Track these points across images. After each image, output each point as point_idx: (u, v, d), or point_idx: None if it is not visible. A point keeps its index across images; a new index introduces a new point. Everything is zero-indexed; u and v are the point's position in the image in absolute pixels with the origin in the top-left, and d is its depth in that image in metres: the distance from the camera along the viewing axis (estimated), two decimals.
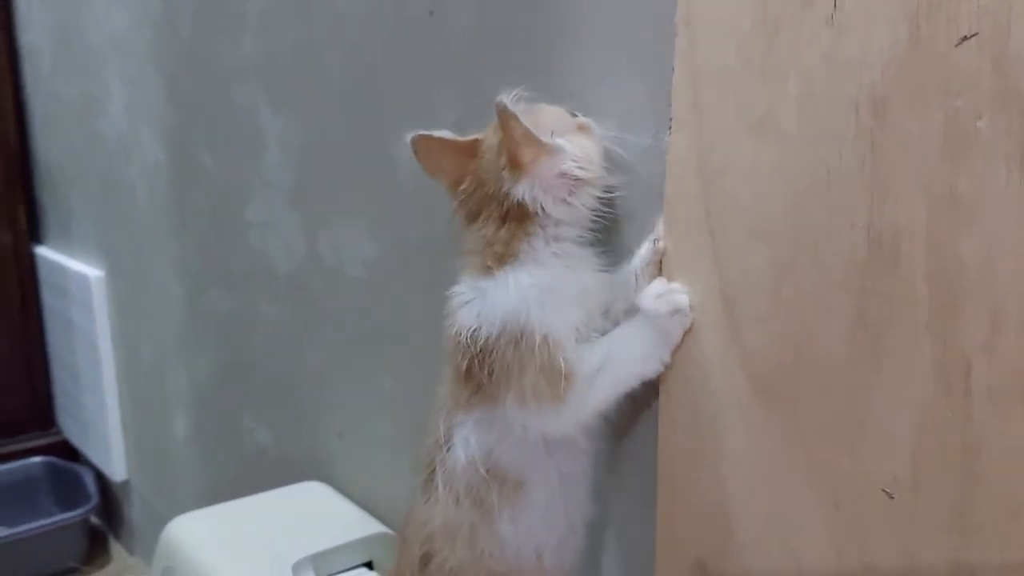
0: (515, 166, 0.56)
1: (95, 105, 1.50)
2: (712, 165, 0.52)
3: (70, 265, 1.68)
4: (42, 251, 1.84)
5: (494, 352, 0.57)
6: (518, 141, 0.55)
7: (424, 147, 0.63)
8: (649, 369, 0.58)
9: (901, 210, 0.45)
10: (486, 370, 0.57)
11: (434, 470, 0.61)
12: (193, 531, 0.89)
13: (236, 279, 1.19)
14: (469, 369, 0.58)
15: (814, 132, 0.48)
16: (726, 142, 0.51)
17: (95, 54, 1.46)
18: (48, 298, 1.85)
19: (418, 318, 0.86)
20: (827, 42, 0.47)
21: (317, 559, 0.83)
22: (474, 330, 0.57)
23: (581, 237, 0.59)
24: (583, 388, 0.57)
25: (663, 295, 0.56)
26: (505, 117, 0.54)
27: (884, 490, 0.48)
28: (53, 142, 1.75)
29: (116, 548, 1.75)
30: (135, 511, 1.67)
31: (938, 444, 0.46)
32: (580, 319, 0.58)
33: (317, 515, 0.93)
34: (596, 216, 0.59)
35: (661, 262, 0.58)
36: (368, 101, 0.88)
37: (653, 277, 0.58)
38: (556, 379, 0.56)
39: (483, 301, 0.58)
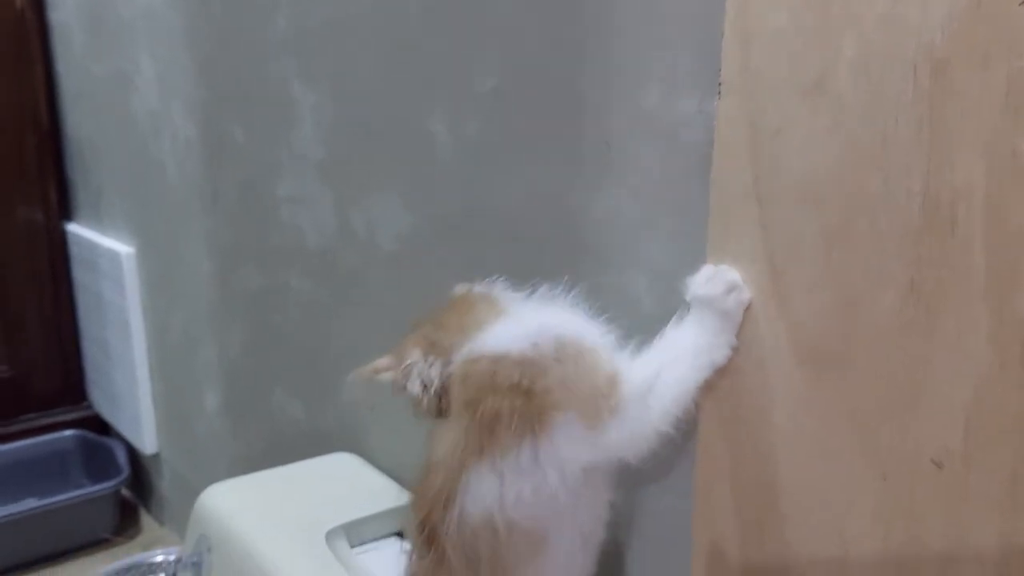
0: None
1: (126, 82, 1.50)
2: (762, 130, 0.51)
3: (101, 242, 1.70)
4: (73, 228, 1.86)
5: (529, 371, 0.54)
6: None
7: None
8: (719, 356, 0.56)
9: (959, 175, 0.44)
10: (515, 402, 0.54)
11: (435, 527, 0.56)
12: (227, 499, 0.90)
13: (267, 254, 1.19)
14: (492, 408, 0.54)
15: (870, 96, 0.47)
16: (778, 107, 0.50)
17: (126, 30, 1.47)
18: (79, 274, 1.87)
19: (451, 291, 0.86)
20: (885, 2, 0.46)
21: (349, 528, 0.83)
22: (498, 357, 0.55)
23: None
24: (640, 397, 0.54)
25: (713, 277, 0.55)
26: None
27: (933, 460, 0.47)
28: (84, 119, 1.76)
29: (147, 519, 1.77)
30: (165, 483, 1.69)
31: (992, 416, 0.45)
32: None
33: (348, 485, 0.93)
34: None
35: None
36: (402, 73, 0.87)
37: None
38: (610, 388, 0.54)
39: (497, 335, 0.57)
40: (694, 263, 0.60)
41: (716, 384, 0.58)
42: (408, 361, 0.60)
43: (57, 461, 1.83)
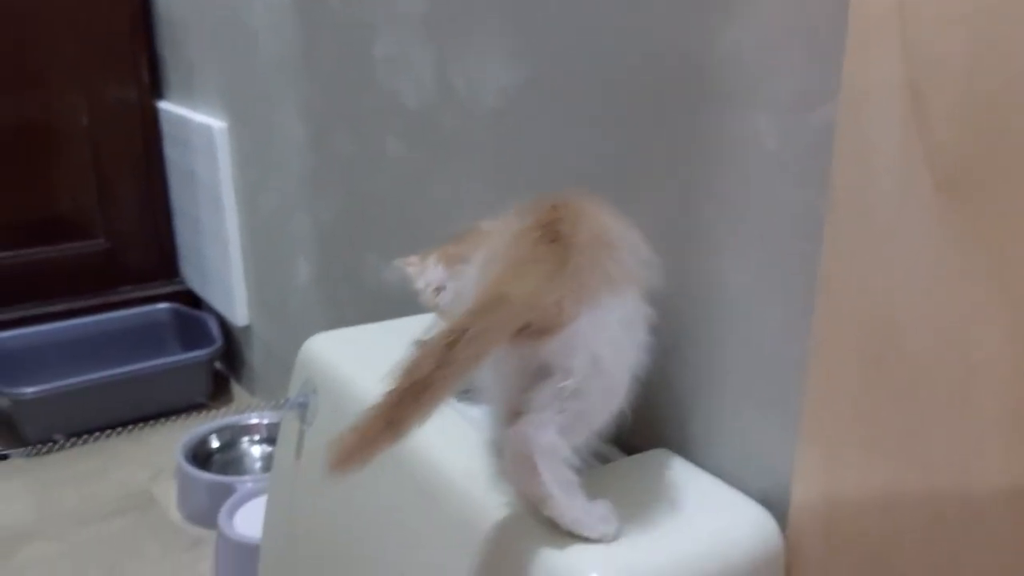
0: None
1: None
2: None
3: (193, 118, 1.73)
4: (164, 106, 1.90)
5: None
6: None
7: None
8: None
9: None
10: None
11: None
12: (332, 347, 0.93)
13: (362, 119, 1.20)
14: None
15: None
16: None
17: None
18: (170, 152, 1.92)
19: (563, 150, 0.85)
20: None
21: None
22: None
23: None
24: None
25: None
26: None
27: None
28: None
29: (237, 389, 1.86)
30: (255, 354, 1.76)
31: None
32: None
33: None
34: None
35: None
36: None
37: None
38: None
39: None
40: (824, 95, 0.58)
41: (839, 214, 0.57)
42: (422, 263, 0.77)
43: (153, 332, 1.92)
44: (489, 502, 0.64)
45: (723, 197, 0.67)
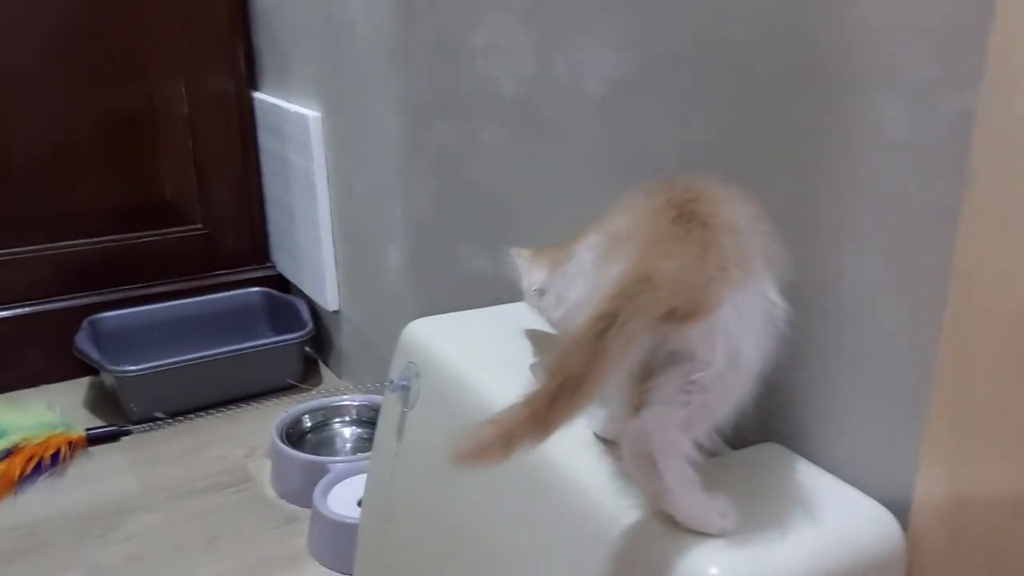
0: None
1: None
2: None
3: (288, 107, 1.77)
4: (259, 95, 1.95)
5: None
6: None
7: None
8: None
9: None
10: None
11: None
12: (434, 331, 0.94)
13: (459, 107, 1.21)
14: None
15: None
16: None
17: None
18: (264, 141, 1.97)
19: (671, 139, 0.84)
20: None
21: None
22: None
23: None
24: None
25: None
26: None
27: None
28: None
29: (326, 372, 1.91)
30: (345, 339, 1.80)
31: None
32: None
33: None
34: None
35: None
36: None
37: None
38: None
39: None
40: (965, 80, 0.56)
41: (976, 207, 0.55)
42: (529, 261, 0.80)
43: (245, 314, 1.98)
44: (606, 496, 0.64)
45: (845, 187, 0.65)
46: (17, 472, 0.82)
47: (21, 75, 1.74)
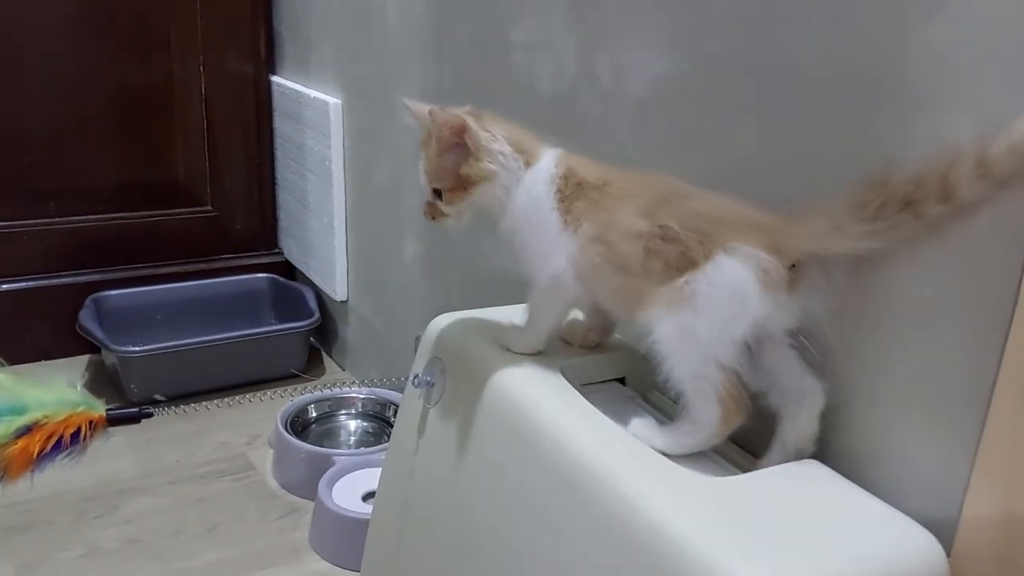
0: None
1: None
2: None
3: (308, 92, 1.75)
4: (277, 80, 1.93)
5: None
6: None
7: None
8: None
9: None
10: None
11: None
12: (459, 327, 0.93)
13: (490, 102, 1.18)
14: None
15: None
16: None
17: None
18: (280, 125, 1.95)
19: (714, 146, 0.83)
20: None
21: (578, 366, 0.85)
22: None
23: None
24: None
25: None
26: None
27: None
28: None
29: (328, 362, 1.89)
30: (351, 330, 1.78)
31: None
32: None
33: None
34: None
35: None
36: None
37: None
38: None
39: None
40: None
41: None
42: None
43: (251, 300, 1.96)
44: (636, 495, 0.63)
45: None
46: (36, 450, 0.80)
47: (39, 47, 1.72)
